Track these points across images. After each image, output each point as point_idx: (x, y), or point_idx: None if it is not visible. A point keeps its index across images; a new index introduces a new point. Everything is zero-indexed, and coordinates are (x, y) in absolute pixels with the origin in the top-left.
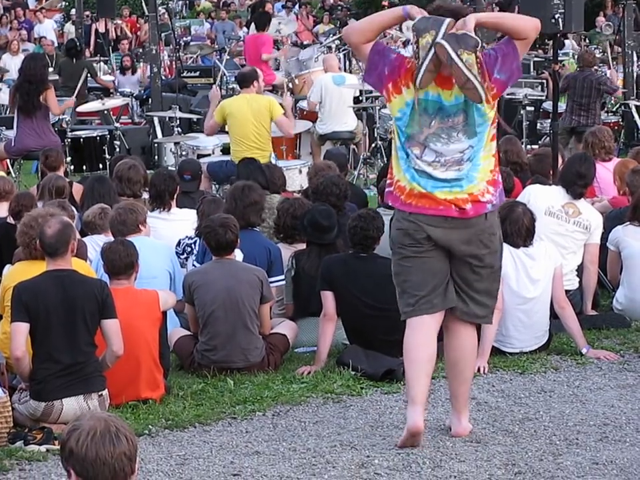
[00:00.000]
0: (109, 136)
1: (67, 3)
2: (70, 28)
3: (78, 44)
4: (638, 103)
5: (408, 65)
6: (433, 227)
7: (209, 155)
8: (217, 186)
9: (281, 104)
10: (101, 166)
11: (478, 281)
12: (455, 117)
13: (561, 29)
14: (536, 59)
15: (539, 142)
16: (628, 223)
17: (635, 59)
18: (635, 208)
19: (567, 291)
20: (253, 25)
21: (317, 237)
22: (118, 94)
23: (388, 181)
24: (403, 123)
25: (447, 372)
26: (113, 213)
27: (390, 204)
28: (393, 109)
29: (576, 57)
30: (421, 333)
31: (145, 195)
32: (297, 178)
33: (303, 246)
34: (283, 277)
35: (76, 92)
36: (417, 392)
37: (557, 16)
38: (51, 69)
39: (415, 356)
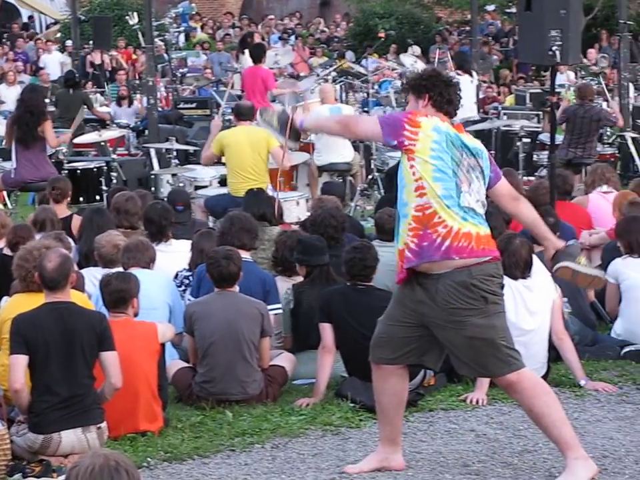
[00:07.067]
0: (105, 167)
1: (63, 34)
2: (66, 59)
3: (76, 75)
4: (634, 135)
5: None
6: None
7: (207, 186)
8: (214, 220)
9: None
10: (97, 197)
11: None
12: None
13: (558, 60)
14: (532, 90)
15: (535, 173)
16: (627, 255)
17: (632, 90)
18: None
19: None
20: (246, 56)
21: (313, 258)
22: (114, 125)
23: (436, 234)
24: (440, 156)
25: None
26: (133, 242)
27: (463, 258)
28: (424, 150)
29: (572, 89)
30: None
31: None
32: (294, 210)
33: (301, 279)
34: (279, 305)
35: (73, 127)
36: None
37: (554, 48)
38: (47, 101)
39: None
